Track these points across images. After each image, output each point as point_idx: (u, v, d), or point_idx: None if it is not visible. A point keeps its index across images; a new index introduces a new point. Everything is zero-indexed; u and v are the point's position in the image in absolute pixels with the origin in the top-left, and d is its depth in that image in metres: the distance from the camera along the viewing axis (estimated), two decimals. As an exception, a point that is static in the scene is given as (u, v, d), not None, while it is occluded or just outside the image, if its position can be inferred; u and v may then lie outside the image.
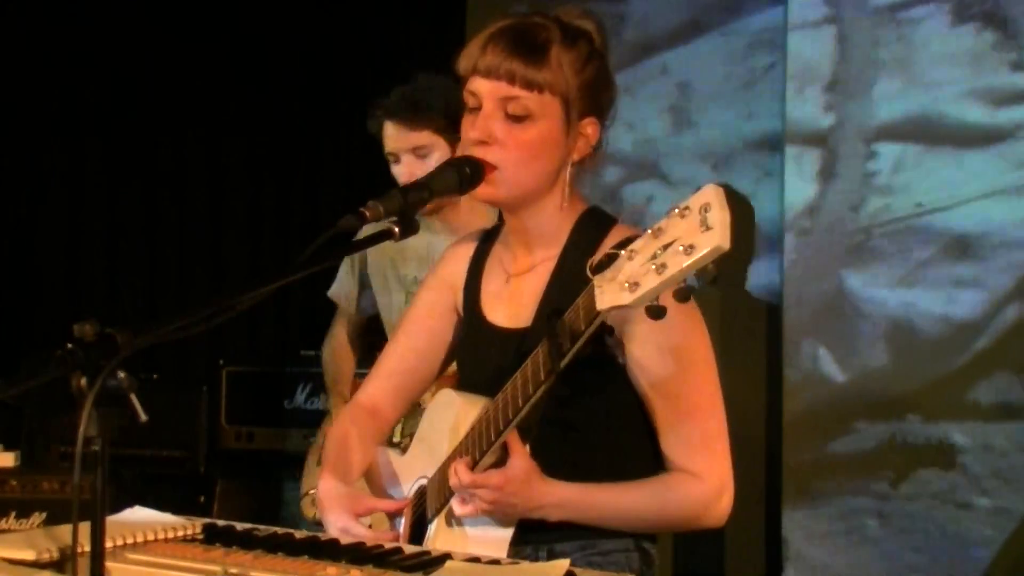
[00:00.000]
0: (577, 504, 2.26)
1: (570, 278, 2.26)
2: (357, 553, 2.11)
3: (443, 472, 2.31)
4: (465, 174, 2.28)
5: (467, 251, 2.53)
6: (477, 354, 2.43)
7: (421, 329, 2.57)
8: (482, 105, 2.29)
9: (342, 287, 3.81)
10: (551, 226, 2.37)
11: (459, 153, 2.36)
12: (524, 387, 2.15)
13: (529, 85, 2.25)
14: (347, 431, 2.57)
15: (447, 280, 2.54)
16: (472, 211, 3.48)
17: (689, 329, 2.29)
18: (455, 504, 2.26)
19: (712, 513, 2.31)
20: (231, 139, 6.01)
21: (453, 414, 2.37)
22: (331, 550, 2.11)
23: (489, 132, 2.28)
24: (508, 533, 2.26)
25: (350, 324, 3.89)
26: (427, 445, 2.45)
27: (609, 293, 1.92)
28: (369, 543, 2.31)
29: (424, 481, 2.42)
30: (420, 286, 2.66)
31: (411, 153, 3.43)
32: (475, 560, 2.14)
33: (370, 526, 2.46)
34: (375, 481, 2.58)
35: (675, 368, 2.26)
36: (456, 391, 2.43)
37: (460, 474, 2.22)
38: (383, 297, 3.68)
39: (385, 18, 5.81)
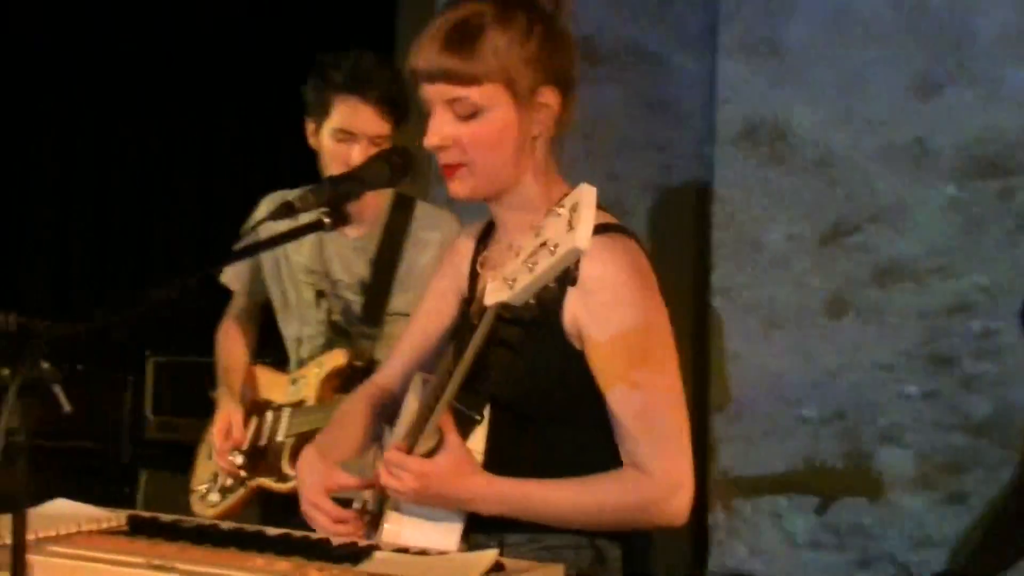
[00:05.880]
0: (509, 499, 2.22)
1: None
2: (284, 544, 2.09)
3: None
4: (397, 165, 2.27)
5: (473, 237, 2.50)
6: (461, 340, 2.36)
7: (430, 314, 2.55)
8: (433, 109, 2.26)
9: (234, 272, 3.68)
10: (530, 212, 2.27)
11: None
12: (441, 376, 2.17)
13: (466, 81, 2.21)
14: (350, 410, 2.57)
15: (455, 266, 2.52)
16: (366, 197, 3.42)
17: (645, 321, 2.23)
18: (383, 479, 2.24)
19: (663, 512, 2.22)
20: (163, 124, 5.91)
21: (415, 395, 2.38)
22: (258, 541, 2.09)
23: (443, 135, 2.25)
24: (458, 523, 2.24)
25: (243, 310, 3.75)
26: (400, 425, 2.44)
27: (494, 289, 1.94)
28: (334, 518, 2.33)
29: None
30: (434, 273, 2.63)
31: (371, 140, 3.33)
32: (403, 551, 2.14)
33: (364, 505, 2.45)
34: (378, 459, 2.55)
35: (630, 358, 2.21)
36: (421, 374, 2.44)
37: (391, 450, 2.23)
38: (273, 285, 3.59)
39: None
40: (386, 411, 2.57)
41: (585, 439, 2.30)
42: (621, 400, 2.22)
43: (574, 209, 1.81)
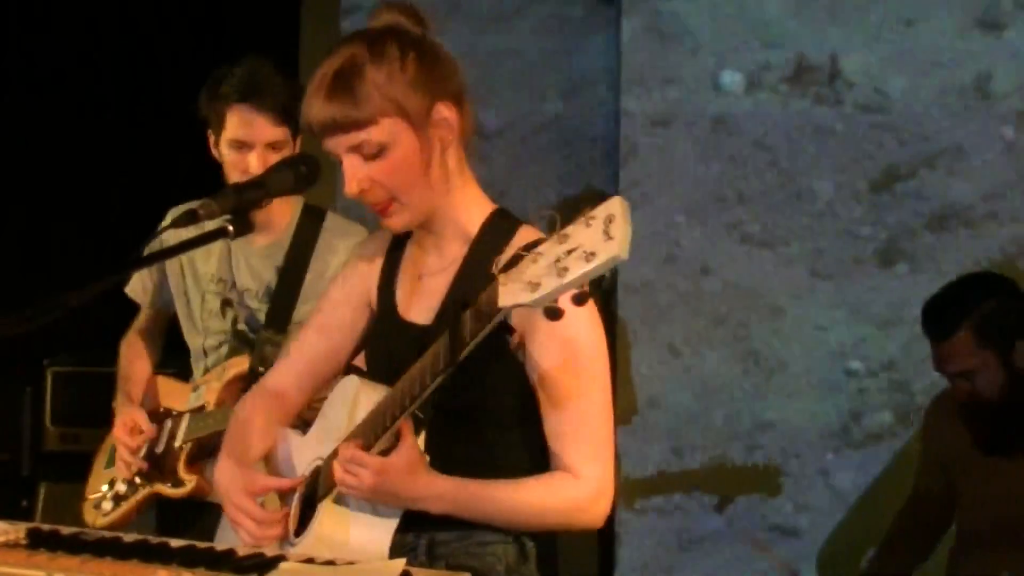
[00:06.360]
0: (457, 499, 2.28)
1: (473, 277, 2.31)
2: (189, 555, 2.10)
3: (336, 454, 2.32)
4: (301, 173, 2.28)
5: (380, 249, 2.55)
6: (385, 348, 2.46)
7: (332, 319, 2.59)
8: (342, 159, 2.31)
9: (139, 282, 3.65)
10: (457, 222, 2.40)
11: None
12: (422, 377, 2.19)
13: (361, 125, 2.26)
14: (249, 415, 2.60)
15: (360, 275, 2.56)
16: (275, 206, 3.31)
17: (588, 335, 2.32)
18: (338, 475, 2.27)
19: (590, 514, 2.34)
20: (63, 130, 5.63)
21: (353, 399, 2.39)
22: (162, 553, 2.11)
23: (360, 180, 2.30)
24: (393, 521, 2.29)
25: (149, 321, 3.72)
26: (326, 428, 2.47)
27: (512, 291, 1.98)
28: (261, 523, 2.36)
29: (320, 462, 2.43)
30: (332, 279, 2.66)
31: (267, 147, 3.29)
32: (310, 561, 2.15)
33: (262, 504, 2.47)
34: (272, 461, 2.59)
35: (571, 371, 2.30)
36: (357, 378, 2.45)
37: (347, 449, 2.26)
38: (178, 296, 3.57)
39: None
40: (282, 416, 2.61)
41: (516, 441, 2.37)
42: (559, 410, 2.31)
43: (610, 220, 1.87)
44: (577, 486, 2.31)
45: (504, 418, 2.35)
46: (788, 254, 4.74)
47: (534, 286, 1.94)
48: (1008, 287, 3.71)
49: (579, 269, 1.89)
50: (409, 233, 2.48)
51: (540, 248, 1.96)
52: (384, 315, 2.49)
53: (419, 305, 2.43)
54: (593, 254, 1.87)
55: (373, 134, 2.27)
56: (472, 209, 2.41)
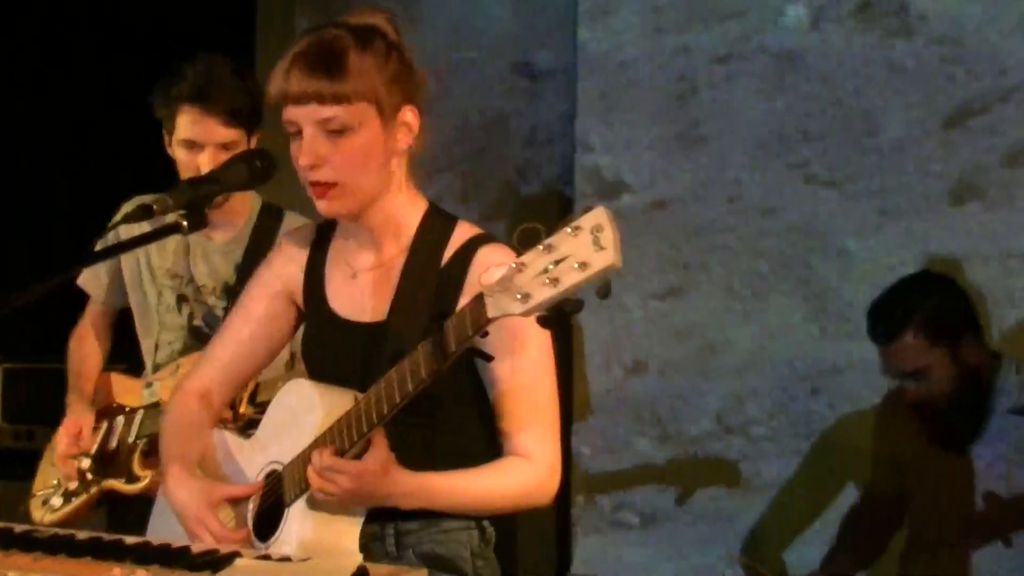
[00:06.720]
0: (426, 492, 2.36)
1: (420, 274, 2.40)
2: (143, 552, 2.11)
3: (304, 459, 2.35)
4: (256, 168, 2.28)
5: (304, 244, 2.57)
6: (327, 347, 2.49)
7: (253, 318, 2.60)
8: (302, 131, 2.34)
9: (92, 275, 3.61)
10: (396, 221, 2.45)
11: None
12: (402, 384, 2.22)
13: (337, 100, 2.31)
14: (181, 420, 2.60)
15: (283, 272, 2.58)
16: (234, 203, 3.38)
17: (538, 328, 2.32)
18: (316, 483, 2.29)
19: (543, 493, 2.45)
20: (17, 124, 5.62)
21: (314, 404, 2.40)
22: (115, 550, 2.12)
23: (316, 154, 2.33)
24: (361, 516, 2.36)
25: (99, 316, 3.68)
26: (280, 432, 2.47)
27: (500, 302, 2.03)
28: (219, 537, 2.37)
29: (276, 467, 2.44)
30: (253, 276, 2.65)
31: (219, 147, 3.29)
32: (266, 558, 2.14)
33: None
34: (212, 464, 2.59)
35: (526, 364, 2.41)
36: (312, 382, 2.46)
37: (323, 456, 2.28)
38: (133, 291, 3.54)
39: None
40: (210, 416, 2.63)
41: (468, 430, 2.46)
42: (516, 400, 2.41)
43: (599, 230, 1.91)
44: (532, 468, 2.41)
45: (456, 410, 2.42)
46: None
47: (525, 296, 1.97)
48: (948, 284, 3.80)
49: (572, 279, 1.92)
50: (333, 228, 2.52)
51: (524, 259, 1.98)
52: (316, 313, 2.51)
53: (358, 302, 2.46)
54: (586, 264, 1.91)
55: (343, 113, 2.31)
56: (409, 208, 2.46)
